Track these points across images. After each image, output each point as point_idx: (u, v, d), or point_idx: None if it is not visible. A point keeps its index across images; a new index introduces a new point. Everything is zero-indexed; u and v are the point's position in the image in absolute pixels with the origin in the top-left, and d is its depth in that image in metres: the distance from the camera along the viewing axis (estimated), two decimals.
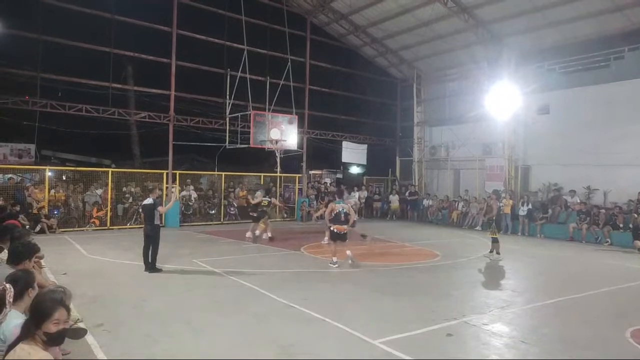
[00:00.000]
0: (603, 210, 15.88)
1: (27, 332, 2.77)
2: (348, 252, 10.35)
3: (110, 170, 17.71)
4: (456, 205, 20.56)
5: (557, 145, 18.12)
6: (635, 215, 14.70)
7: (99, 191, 16.78)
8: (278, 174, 20.32)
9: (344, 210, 10.41)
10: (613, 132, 16.48)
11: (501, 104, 17.85)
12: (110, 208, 16.48)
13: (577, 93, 17.71)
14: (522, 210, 17.34)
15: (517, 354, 5.46)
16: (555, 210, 17.18)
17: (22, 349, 2.71)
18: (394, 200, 22.81)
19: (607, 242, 14.96)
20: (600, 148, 16.72)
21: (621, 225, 15.02)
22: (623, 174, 16.05)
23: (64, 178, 17.97)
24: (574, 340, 5.95)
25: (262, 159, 22.85)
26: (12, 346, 2.81)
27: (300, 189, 21.59)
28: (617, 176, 16.21)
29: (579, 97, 17.64)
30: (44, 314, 2.87)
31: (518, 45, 19.08)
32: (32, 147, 20.36)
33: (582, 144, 17.26)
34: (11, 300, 3.37)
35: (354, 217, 11.03)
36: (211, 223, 18.30)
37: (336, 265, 10.09)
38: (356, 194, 21.23)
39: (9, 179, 17.45)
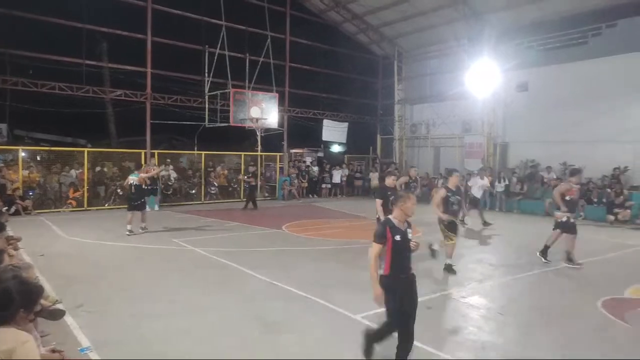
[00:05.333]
0: (578, 186, 16.23)
1: (12, 318, 2.71)
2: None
3: (85, 150, 17.30)
4: (436, 182, 20.77)
5: (535, 122, 18.35)
6: (609, 191, 15.14)
7: (74, 172, 16.41)
8: (259, 153, 20.16)
9: None
10: (590, 109, 16.73)
11: (481, 81, 17.94)
12: (88, 189, 16.19)
13: (555, 70, 17.88)
14: (500, 187, 17.64)
15: (494, 325, 5.62)
16: (532, 186, 17.53)
17: (6, 333, 2.65)
18: (374, 177, 22.98)
19: (582, 216, 15.34)
20: (577, 125, 16.99)
21: (595, 200, 15.45)
22: (598, 150, 16.37)
23: (39, 158, 17.54)
24: (548, 310, 6.14)
25: (242, 137, 22.64)
26: None
27: (281, 168, 21.51)
28: (592, 152, 16.49)
29: (557, 74, 17.81)
30: (36, 297, 2.87)
31: (499, 22, 19.05)
32: (4, 126, 19.76)
33: (559, 121, 17.53)
34: None
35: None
36: (192, 203, 18.16)
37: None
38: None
39: None
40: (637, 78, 15.62)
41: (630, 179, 15.71)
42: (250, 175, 17.16)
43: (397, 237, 4.29)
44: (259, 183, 20.98)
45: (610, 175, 15.93)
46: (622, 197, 14.59)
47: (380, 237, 4.30)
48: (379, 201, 8.21)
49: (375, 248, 4.31)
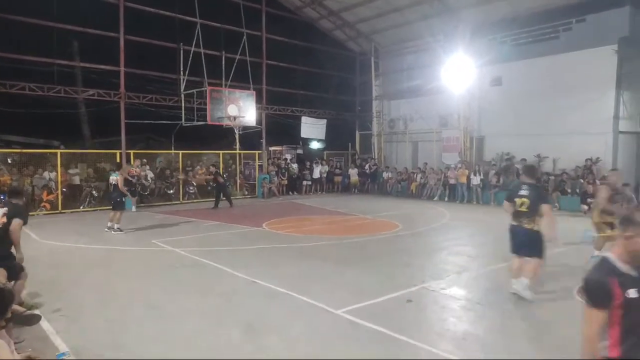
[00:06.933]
0: (552, 177, 16.67)
1: None
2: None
3: (59, 151, 16.87)
4: (415, 176, 21.00)
5: (510, 116, 18.68)
6: (582, 181, 15.54)
7: (47, 174, 15.98)
8: (237, 151, 20.03)
9: None
10: (562, 102, 17.10)
11: (456, 76, 18.19)
12: (61, 191, 15.82)
13: (527, 65, 18.20)
14: (476, 180, 17.94)
15: (473, 315, 5.72)
16: (508, 179, 17.85)
17: None
18: (353, 173, 23.13)
19: (556, 206, 15.73)
20: (550, 117, 17.38)
21: (569, 191, 15.86)
22: (571, 142, 16.74)
23: (10, 161, 17.04)
24: (526, 300, 6.26)
25: (220, 136, 22.42)
26: None
27: (260, 166, 21.42)
28: (565, 144, 16.88)
29: (529, 69, 18.13)
30: (7, 306, 2.82)
31: (473, 18, 19.31)
32: None
33: (533, 114, 17.89)
34: None
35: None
36: (170, 203, 17.93)
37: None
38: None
39: None
40: (606, 71, 16.02)
41: (601, 169, 16.15)
42: (206, 172, 17.64)
43: (632, 293, 2.39)
44: (238, 181, 20.87)
45: (583, 166, 16.35)
46: (594, 187, 14.98)
47: (603, 298, 2.39)
48: (548, 206, 5.94)
49: (597, 318, 2.40)
